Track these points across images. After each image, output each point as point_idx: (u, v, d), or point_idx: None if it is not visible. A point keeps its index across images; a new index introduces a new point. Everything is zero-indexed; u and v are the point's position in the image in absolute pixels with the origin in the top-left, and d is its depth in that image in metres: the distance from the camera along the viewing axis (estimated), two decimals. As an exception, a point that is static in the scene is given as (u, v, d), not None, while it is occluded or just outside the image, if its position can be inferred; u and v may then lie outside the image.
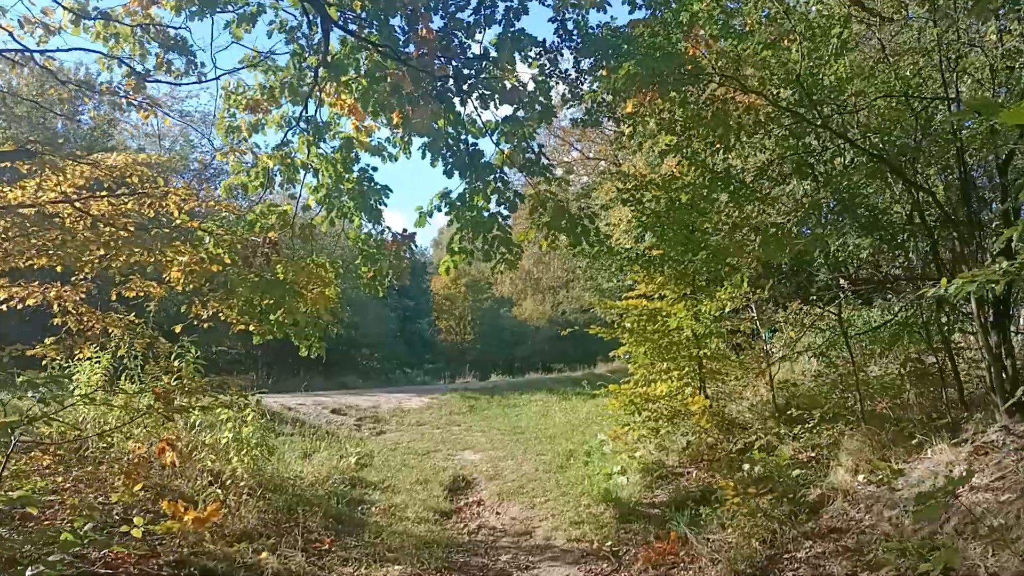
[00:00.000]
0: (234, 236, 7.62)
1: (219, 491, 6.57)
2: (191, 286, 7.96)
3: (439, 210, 7.61)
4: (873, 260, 8.50)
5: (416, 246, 8.43)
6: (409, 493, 8.27)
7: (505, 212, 7.73)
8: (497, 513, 7.83)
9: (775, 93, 6.24)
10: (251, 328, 8.08)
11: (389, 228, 8.44)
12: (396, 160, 8.74)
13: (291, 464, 8.51)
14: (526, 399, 15.20)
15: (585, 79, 7.03)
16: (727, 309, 7.50)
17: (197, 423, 7.15)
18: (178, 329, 7.84)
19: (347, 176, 8.23)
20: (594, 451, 9.65)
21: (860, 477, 5.99)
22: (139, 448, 6.12)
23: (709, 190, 6.79)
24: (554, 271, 50.18)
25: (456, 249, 7.90)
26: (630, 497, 7.66)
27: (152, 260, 6.95)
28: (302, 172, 8.35)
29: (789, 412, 8.04)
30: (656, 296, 9.22)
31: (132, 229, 6.91)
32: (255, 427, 6.98)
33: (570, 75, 7.15)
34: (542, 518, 7.41)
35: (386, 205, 8.46)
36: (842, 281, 8.28)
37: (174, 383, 6.00)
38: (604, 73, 6.90)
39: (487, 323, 50.34)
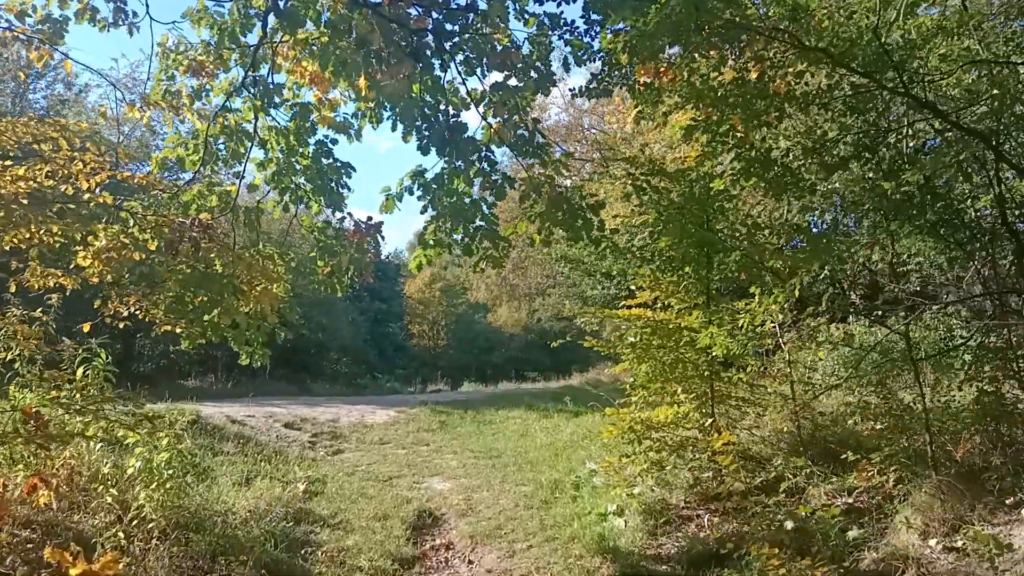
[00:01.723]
0: (160, 217, 6.23)
1: (121, 533, 5.18)
2: (108, 277, 6.56)
3: (410, 192, 6.29)
4: (930, 269, 7.28)
5: (383, 238, 7.10)
6: (365, 532, 6.90)
7: (491, 199, 6.44)
8: (469, 562, 6.49)
9: (839, 51, 4.97)
10: (177, 330, 6.68)
11: (351, 215, 7.12)
12: (361, 139, 7.42)
13: (224, 493, 7.11)
14: (503, 415, 13.82)
15: (596, 32, 5.74)
16: (767, 324, 6.26)
17: (95, 447, 5.71)
18: (87, 328, 6.41)
19: (301, 150, 6.89)
20: (583, 483, 8.35)
21: (933, 542, 4.75)
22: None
23: (744, 176, 5.53)
24: (532, 278, 49.09)
25: (431, 241, 6.57)
26: (630, 547, 6.36)
27: (48, 240, 5.54)
28: (248, 144, 7.00)
29: (825, 447, 6.81)
30: (661, 306, 7.95)
31: (24, 201, 5.49)
32: (170, 454, 5.57)
33: (577, 27, 5.85)
34: (524, 572, 6.08)
35: (349, 189, 7.16)
36: (895, 289, 7.07)
37: (55, 397, 4.62)
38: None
39: (461, 329, 49.38)
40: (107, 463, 5.59)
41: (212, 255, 6.36)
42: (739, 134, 5.46)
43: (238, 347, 7.24)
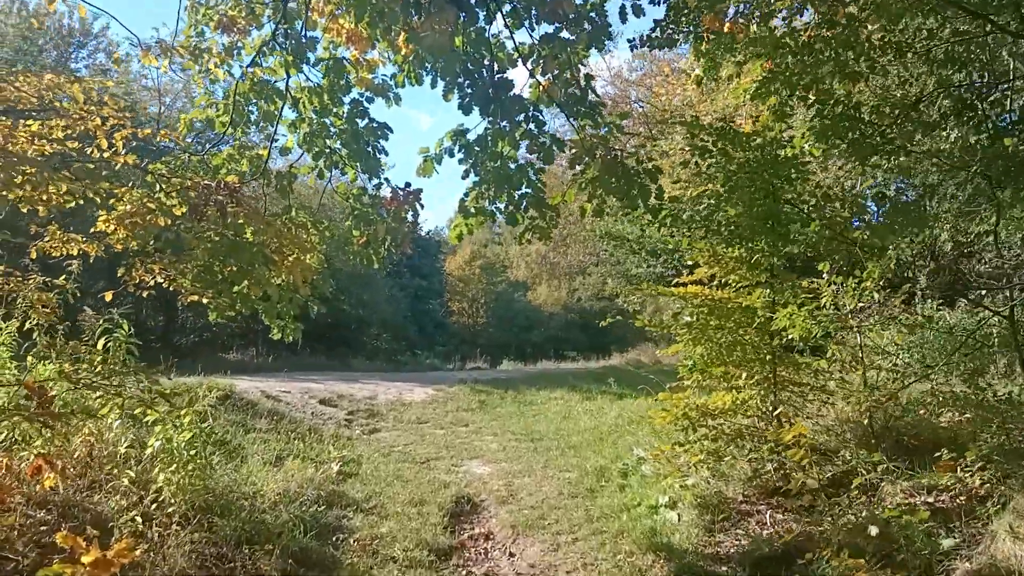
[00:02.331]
0: (186, 180, 5.83)
1: (139, 518, 4.83)
2: (133, 244, 6.20)
3: (450, 155, 5.80)
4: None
5: (422, 206, 6.63)
6: (400, 518, 6.50)
7: (538, 163, 5.92)
8: (510, 555, 6.04)
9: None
10: (204, 300, 6.31)
11: (388, 181, 6.66)
12: (400, 102, 6.94)
13: (253, 474, 6.75)
14: (545, 396, 13.35)
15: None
16: (854, 302, 5.63)
17: (114, 424, 5.35)
18: (109, 297, 6.06)
19: (335, 110, 6.43)
20: (631, 471, 7.84)
21: (1042, 555, 4.15)
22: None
23: (823, 137, 4.91)
24: (572, 256, 48.51)
25: (472, 209, 6.08)
26: (685, 544, 5.85)
27: (58, 200, 5.15)
28: (280, 103, 6.56)
29: (897, 440, 6.20)
30: (718, 283, 7.35)
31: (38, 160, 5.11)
32: (193, 433, 5.19)
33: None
34: (570, 568, 5.61)
35: (386, 153, 6.70)
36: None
37: (63, 371, 4.25)
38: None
39: (500, 307, 49.09)
40: (125, 442, 5.22)
41: (241, 221, 5.94)
42: (824, 86, 4.83)
43: (269, 320, 6.86)
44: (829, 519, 5.35)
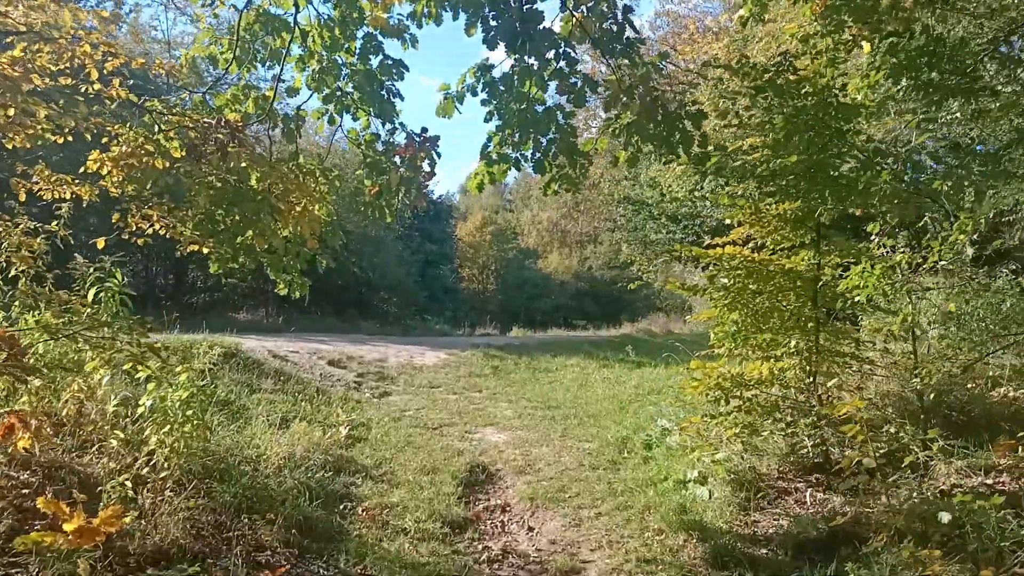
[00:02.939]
0: (184, 117, 5.34)
1: (128, 483, 4.42)
2: (130, 188, 5.73)
3: (473, 93, 5.29)
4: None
5: (439, 154, 6.13)
6: (411, 487, 6.11)
7: (568, 106, 5.40)
8: (529, 529, 5.64)
9: None
10: (204, 250, 5.86)
11: (403, 126, 6.16)
12: (417, 45, 6.40)
13: (257, 436, 6.36)
14: (560, 363, 12.90)
15: None
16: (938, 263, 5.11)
17: (103, 380, 4.92)
18: (101, 244, 5.61)
19: (346, 45, 5.92)
20: (655, 443, 7.41)
21: None
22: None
23: (897, 75, 4.36)
24: (584, 224, 48.01)
25: (495, 156, 5.58)
26: (719, 523, 5.42)
27: (37, 130, 4.68)
28: (287, 36, 6.05)
29: (946, 416, 5.74)
30: (755, 245, 6.84)
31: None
32: (190, 391, 4.75)
33: None
34: (594, 546, 5.20)
35: (401, 97, 6.20)
36: None
37: (43, 322, 3.82)
38: None
39: (510, 274, 48.76)
40: (114, 399, 4.80)
41: (244, 164, 5.46)
42: (903, 14, 4.27)
43: (275, 275, 6.42)
44: (882, 501, 4.90)
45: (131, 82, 5.94)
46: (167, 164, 5.62)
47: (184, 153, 5.23)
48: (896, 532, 4.40)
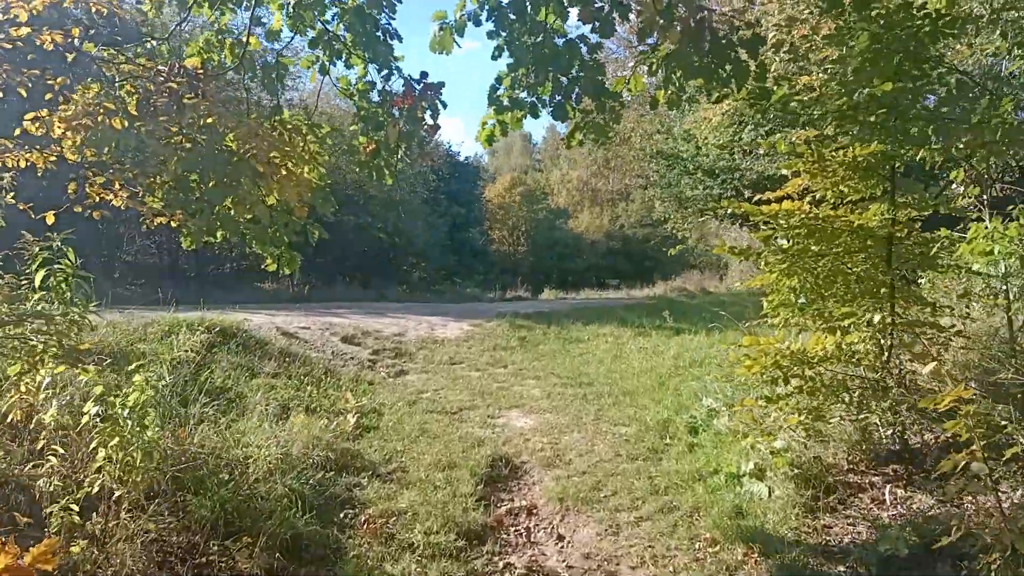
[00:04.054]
0: (134, 66, 4.51)
1: (74, 505, 3.69)
2: (88, 154, 4.94)
3: (476, 22, 4.38)
4: None
5: (443, 104, 5.22)
6: (423, 488, 5.34)
7: (594, 37, 4.46)
8: (559, 538, 4.84)
9: None
10: (173, 224, 5.06)
11: (399, 70, 5.27)
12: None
13: (249, 432, 5.62)
14: (592, 332, 11.98)
15: None
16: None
17: (41, 382, 4.16)
18: (51, 219, 4.82)
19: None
20: (701, 426, 6.56)
21: None
22: None
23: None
24: (615, 182, 46.78)
25: (505, 102, 4.68)
26: (783, 530, 4.57)
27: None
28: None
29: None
30: (813, 199, 5.86)
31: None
32: (144, 394, 3.97)
33: None
34: (636, 562, 4.40)
35: (399, 37, 5.32)
36: None
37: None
38: None
39: (541, 235, 47.87)
40: (50, 407, 4.03)
41: (210, 120, 4.63)
42: None
43: (261, 248, 5.60)
44: (987, 506, 4.00)
45: (92, 31, 5.11)
46: (126, 123, 4.81)
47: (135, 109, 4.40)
48: (1012, 549, 3.52)
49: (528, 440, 6.50)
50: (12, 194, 5.06)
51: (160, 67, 4.32)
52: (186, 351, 7.03)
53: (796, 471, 5.19)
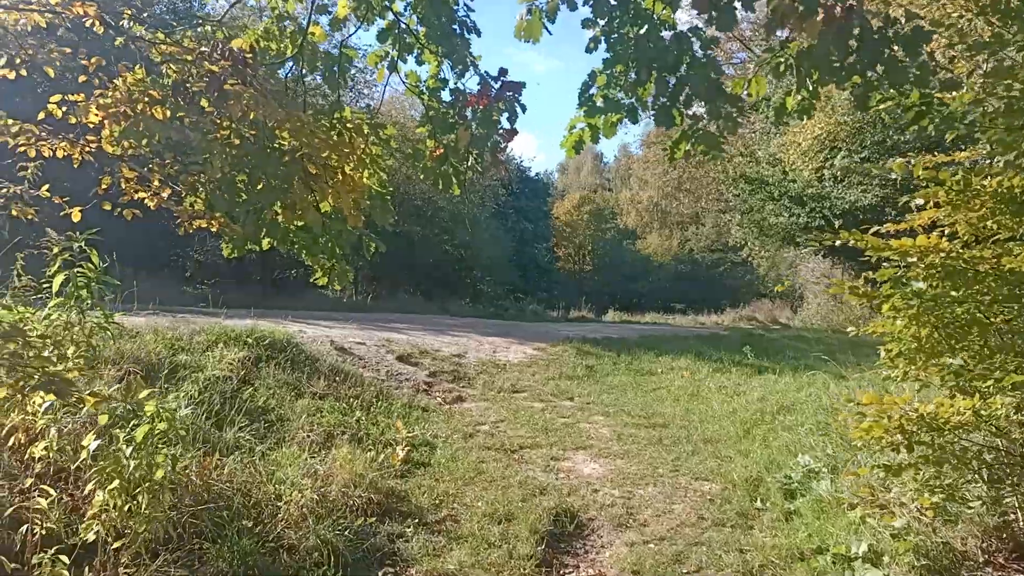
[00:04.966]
0: (172, 45, 3.97)
1: (64, 559, 3.09)
2: (128, 148, 4.43)
3: (571, 6, 3.71)
4: None
5: (522, 107, 4.56)
6: (475, 543, 4.62)
7: (709, 30, 3.73)
8: (633, 624, 4.06)
9: None
10: (213, 227, 4.51)
11: (475, 66, 4.63)
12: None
13: (285, 465, 5.02)
14: (665, 364, 11.13)
15: None
16: None
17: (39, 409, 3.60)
18: (76, 216, 4.32)
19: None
20: (798, 489, 5.67)
21: None
22: None
23: None
24: (685, 205, 45.62)
25: (599, 102, 3.97)
26: (913, 642, 3.70)
27: None
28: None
29: None
30: (943, 233, 4.95)
31: None
32: (154, 427, 3.36)
33: None
34: (730, 670, 3.59)
35: (477, 32, 4.70)
36: None
37: None
38: None
39: (607, 254, 47.27)
40: (47, 438, 3.45)
41: (253, 113, 4.05)
42: None
43: (310, 260, 5.05)
44: None
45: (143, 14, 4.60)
46: (167, 113, 4.28)
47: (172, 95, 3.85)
48: None
49: (597, 491, 5.74)
50: (46, 186, 4.58)
51: (202, 48, 3.74)
52: (230, 364, 6.50)
53: (923, 561, 4.31)
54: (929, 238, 4.66)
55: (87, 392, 3.14)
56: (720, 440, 7.11)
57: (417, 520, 4.95)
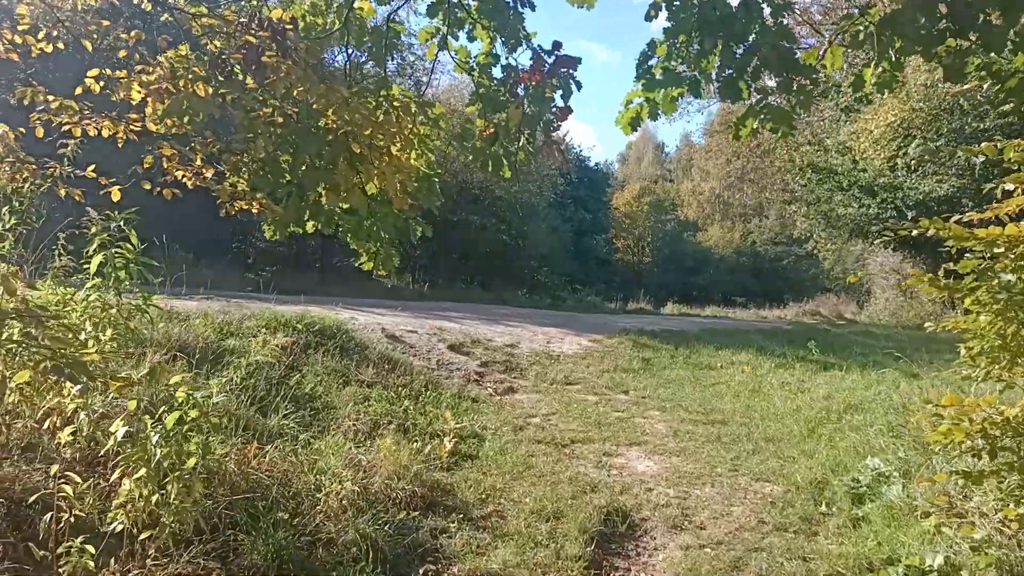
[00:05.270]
0: (208, 15, 3.84)
1: (90, 548, 2.99)
2: (171, 126, 4.35)
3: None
4: None
5: (577, 83, 4.31)
6: (521, 542, 4.42)
7: (781, -4, 3.42)
8: (687, 636, 3.80)
9: None
10: (254, 208, 4.39)
11: (527, 40, 4.40)
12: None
13: (328, 454, 4.89)
14: (725, 358, 10.72)
15: None
16: None
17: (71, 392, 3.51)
18: (116, 196, 4.24)
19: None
20: (867, 494, 5.31)
21: None
22: None
23: None
24: (748, 196, 44.49)
25: (658, 75, 3.69)
26: (1000, 669, 3.36)
27: None
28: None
29: None
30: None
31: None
32: (184, 416, 3.22)
33: None
34: None
35: (531, 5, 4.46)
36: None
37: None
38: None
39: (667, 246, 46.50)
40: (73, 426, 3.34)
41: (301, 89, 3.90)
42: None
43: (355, 244, 4.90)
44: None
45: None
46: (210, 90, 4.17)
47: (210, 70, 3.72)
48: None
49: (651, 490, 5.47)
50: (92, 167, 4.53)
51: (241, 19, 3.60)
52: (277, 350, 6.43)
53: (1000, 570, 3.94)
54: (1019, 226, 4.25)
55: (119, 375, 3.02)
56: (782, 439, 6.75)
57: (462, 515, 4.77)
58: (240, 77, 3.85)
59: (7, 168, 4.34)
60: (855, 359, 10.34)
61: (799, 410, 7.67)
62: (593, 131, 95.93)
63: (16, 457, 3.35)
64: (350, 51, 4.88)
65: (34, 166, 4.40)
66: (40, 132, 4.35)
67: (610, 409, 7.64)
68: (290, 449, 4.81)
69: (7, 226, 3.92)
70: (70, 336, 2.67)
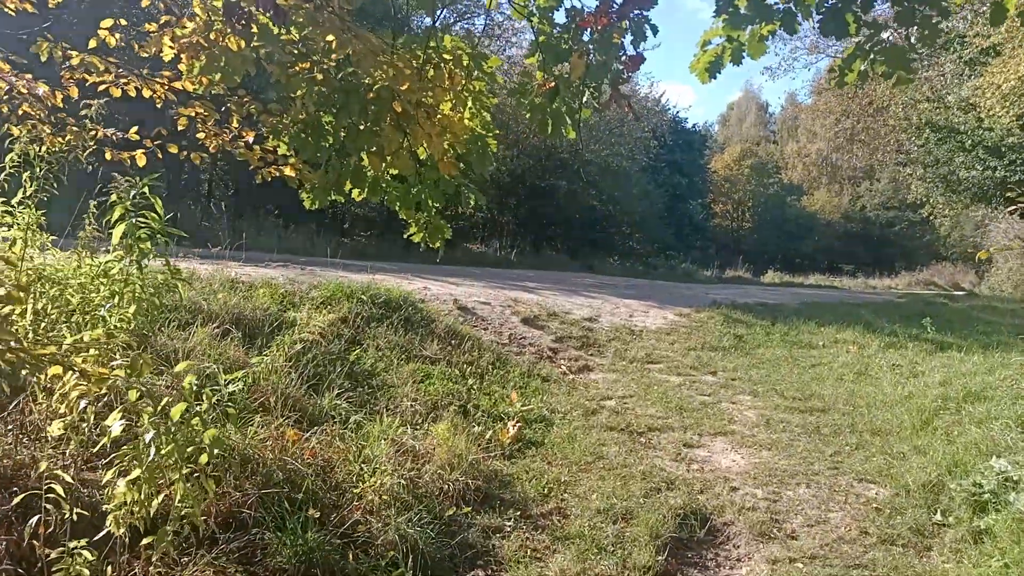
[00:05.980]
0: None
1: (86, 554, 2.69)
2: (210, 86, 4.00)
3: None
4: None
5: (652, 26, 3.69)
6: (584, 547, 3.95)
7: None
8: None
9: None
10: (288, 172, 4.02)
11: (593, -22, 3.78)
12: None
13: (378, 441, 4.52)
14: (828, 336, 9.78)
15: None
16: None
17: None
18: (142, 160, 3.93)
19: None
20: (991, 501, 4.56)
21: None
22: None
23: None
24: (859, 158, 41.99)
25: (743, 9, 3.05)
26: None
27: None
28: None
29: None
30: None
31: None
32: (190, 408, 2.86)
33: None
34: None
35: (599, -63, 3.84)
36: None
37: None
38: None
39: (769, 211, 44.70)
40: (63, 420, 3.04)
41: (329, 39, 3.46)
42: None
43: (404, 213, 4.46)
44: None
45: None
46: (243, 44, 3.78)
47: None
48: None
49: (736, 490, 4.88)
50: (135, 128, 4.24)
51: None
52: (337, 323, 6.13)
53: None
54: None
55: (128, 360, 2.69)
56: (891, 432, 5.99)
57: (519, 512, 4.33)
58: (271, 28, 3.45)
59: (48, 130, 4.12)
60: (976, 338, 9.31)
61: (911, 397, 6.84)
62: (692, 90, 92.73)
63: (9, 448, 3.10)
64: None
65: (76, 128, 4.17)
66: (74, 92, 4.08)
67: (694, 392, 7.03)
68: (337, 433, 4.48)
69: (28, 192, 3.68)
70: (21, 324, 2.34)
